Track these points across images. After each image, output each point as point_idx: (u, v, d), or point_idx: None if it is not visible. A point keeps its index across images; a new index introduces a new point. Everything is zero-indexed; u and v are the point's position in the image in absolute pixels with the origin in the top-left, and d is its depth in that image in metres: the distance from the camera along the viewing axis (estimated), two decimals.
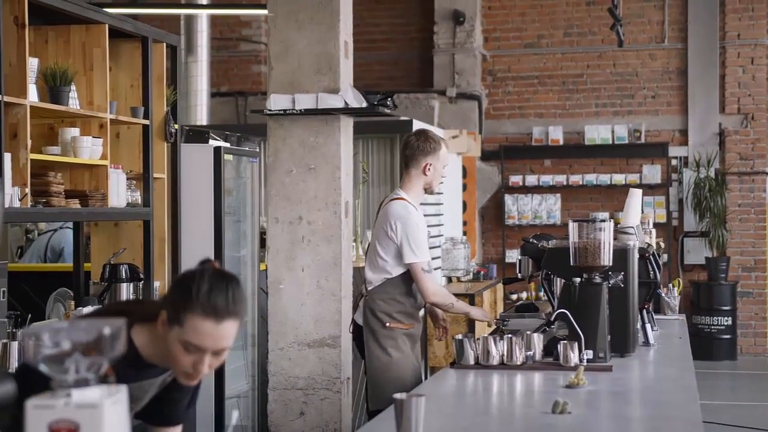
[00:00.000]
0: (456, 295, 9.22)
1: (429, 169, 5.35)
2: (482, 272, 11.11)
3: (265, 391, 6.33)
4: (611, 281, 4.77)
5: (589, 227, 4.67)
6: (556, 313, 4.67)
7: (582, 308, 4.60)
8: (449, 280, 10.71)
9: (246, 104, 13.45)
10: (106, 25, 5.48)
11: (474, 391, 4.26)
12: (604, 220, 4.70)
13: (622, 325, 4.80)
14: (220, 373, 6.40)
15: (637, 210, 5.86)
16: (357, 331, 5.44)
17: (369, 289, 5.32)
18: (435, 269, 8.46)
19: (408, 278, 5.32)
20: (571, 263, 4.69)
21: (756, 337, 13.08)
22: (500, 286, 11.40)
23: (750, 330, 13.05)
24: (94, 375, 1.88)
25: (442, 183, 5.54)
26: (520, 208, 13.38)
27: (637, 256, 5.04)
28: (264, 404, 6.65)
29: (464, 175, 12.63)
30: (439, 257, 10.29)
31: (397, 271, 5.28)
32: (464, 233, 12.34)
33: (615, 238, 5.38)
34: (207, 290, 2.58)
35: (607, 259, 4.67)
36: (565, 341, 4.49)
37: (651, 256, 5.43)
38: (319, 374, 5.84)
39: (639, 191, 5.97)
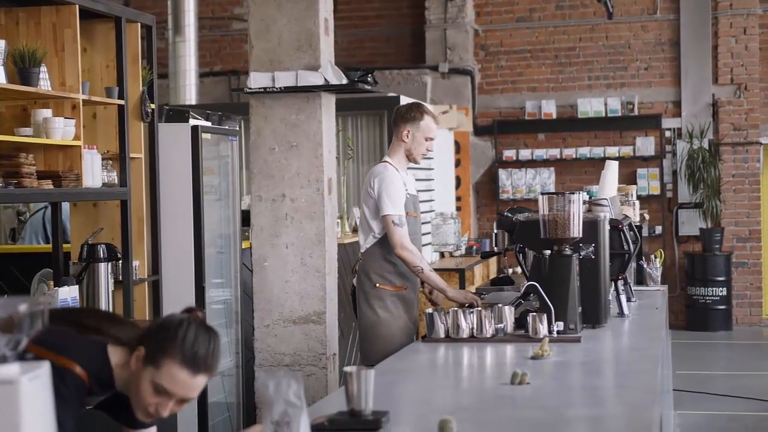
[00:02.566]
0: (446, 270, 9.30)
1: (407, 135, 5.46)
2: (475, 247, 11.12)
3: (250, 367, 6.35)
4: (582, 253, 4.79)
5: (560, 200, 4.68)
6: (525, 285, 4.69)
7: (552, 280, 4.63)
8: (441, 255, 10.73)
9: (239, 83, 13.40)
10: (77, 6, 5.47)
11: (440, 364, 4.28)
12: (573, 193, 4.71)
13: (593, 297, 4.83)
14: None
15: (612, 182, 5.87)
16: (354, 293, 5.55)
17: (361, 252, 5.46)
18: (424, 245, 8.46)
19: None
20: (542, 236, 4.71)
21: (751, 307, 13.09)
22: (494, 260, 11.40)
23: (745, 300, 13.06)
24: (12, 352, 1.90)
25: (428, 157, 5.61)
26: (514, 183, 13.37)
27: (608, 227, 5.04)
28: (250, 381, 6.68)
29: (457, 151, 12.63)
30: (429, 233, 10.29)
31: (379, 228, 5.37)
32: (458, 208, 12.35)
33: (589, 210, 5.40)
34: (192, 340, 2.66)
35: (576, 231, 4.68)
36: (535, 313, 4.51)
37: (625, 228, 5.44)
38: (305, 350, 5.86)
39: (615, 163, 5.98)
